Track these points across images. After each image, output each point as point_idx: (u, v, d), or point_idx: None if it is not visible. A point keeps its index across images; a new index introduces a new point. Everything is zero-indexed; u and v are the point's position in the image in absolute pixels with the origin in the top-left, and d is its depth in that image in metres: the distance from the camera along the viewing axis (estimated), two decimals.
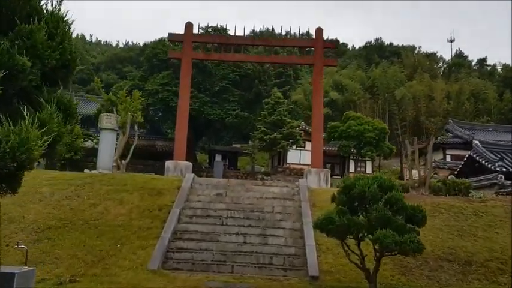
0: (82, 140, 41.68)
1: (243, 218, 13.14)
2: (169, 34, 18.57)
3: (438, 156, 45.88)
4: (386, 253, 8.61)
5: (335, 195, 9.73)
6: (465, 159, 26.71)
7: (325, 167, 29.54)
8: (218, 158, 46.23)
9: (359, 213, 9.17)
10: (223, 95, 42.18)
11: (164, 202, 13.69)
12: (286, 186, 15.22)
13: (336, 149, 43.21)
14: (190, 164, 16.73)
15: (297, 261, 11.22)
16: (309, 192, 14.66)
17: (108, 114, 26.95)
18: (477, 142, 26.39)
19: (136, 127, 18.61)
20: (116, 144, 19.84)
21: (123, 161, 17.88)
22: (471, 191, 16.69)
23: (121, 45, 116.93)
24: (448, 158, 44.67)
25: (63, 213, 12.84)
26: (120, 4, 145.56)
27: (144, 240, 11.72)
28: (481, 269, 11.35)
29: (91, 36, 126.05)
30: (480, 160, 25.22)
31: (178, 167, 16.50)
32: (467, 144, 43.70)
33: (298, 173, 36.78)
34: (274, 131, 36.80)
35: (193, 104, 40.22)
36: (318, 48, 17.71)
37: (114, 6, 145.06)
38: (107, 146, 21.50)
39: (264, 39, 18.14)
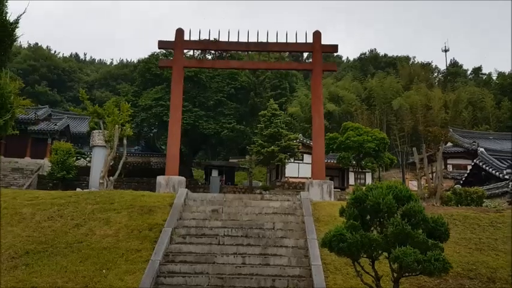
0: (74, 158, 40.52)
1: (242, 236, 12.03)
2: (159, 42, 17.61)
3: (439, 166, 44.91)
4: (406, 273, 7.52)
5: (344, 208, 8.66)
6: (470, 167, 25.77)
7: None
8: (215, 173, 45.04)
9: (372, 229, 8.11)
10: (219, 109, 41.27)
11: (155, 221, 12.57)
12: (288, 200, 14.14)
13: (335, 161, 42.29)
14: (183, 178, 15.64)
15: (302, 284, 10.09)
16: (312, 206, 13.57)
17: (101, 131, 26.29)
18: (482, 150, 25.50)
19: (125, 141, 17.53)
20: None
21: (111, 178, 16.75)
22: (485, 200, 15.64)
23: (115, 63, 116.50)
24: (450, 168, 43.75)
25: (44, 235, 11.69)
26: (113, 22, 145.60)
27: (132, 264, 10.57)
28: (506, 286, 10.26)
29: (85, 54, 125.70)
30: (486, 168, 24.29)
31: (170, 183, 15.39)
32: (468, 153, 42.91)
33: (297, 187, 35.71)
34: (272, 143, 35.80)
35: (188, 118, 39.29)
36: (317, 53, 16.80)
37: (108, 24, 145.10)
38: (100, 164, 21.07)
39: (259, 44, 17.20)
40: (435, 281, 10.25)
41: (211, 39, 45.94)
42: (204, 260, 10.96)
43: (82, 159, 43.94)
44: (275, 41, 16.89)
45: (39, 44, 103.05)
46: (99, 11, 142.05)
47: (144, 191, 15.33)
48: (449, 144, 46.55)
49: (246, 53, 17.29)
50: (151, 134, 50.17)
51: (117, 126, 16.14)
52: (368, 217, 8.23)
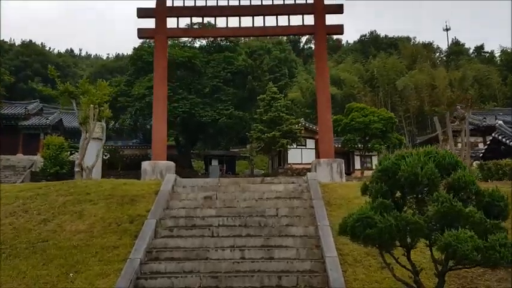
0: (68, 153, 38.65)
1: (240, 225, 10.12)
2: (138, 9, 15.39)
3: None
4: (459, 265, 5.57)
5: (367, 184, 6.71)
6: (488, 142, 23.78)
7: None
8: (214, 162, 43.36)
9: (406, 208, 6.17)
10: (215, 95, 39.26)
11: (137, 212, 10.65)
12: (292, 183, 12.17)
13: (340, 145, 40.33)
14: (172, 163, 13.66)
15: (315, 280, 8.16)
16: (321, 188, 11.63)
17: (93, 122, 24.32)
18: (501, 122, 23.52)
19: (103, 123, 15.51)
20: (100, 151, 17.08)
21: (88, 166, 14.79)
22: None
23: (111, 58, 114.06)
24: (459, 146, 41.63)
25: (3, 235, 9.78)
26: (110, 16, 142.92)
27: (107, 264, 8.66)
28: None
29: (80, 50, 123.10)
30: (506, 141, 22.29)
31: (157, 169, 13.37)
32: (478, 130, 40.78)
33: (301, 173, 33.76)
34: (273, 129, 33.78)
35: (184, 106, 37.33)
36: (319, 14, 14.62)
37: (103, 19, 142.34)
38: (92, 157, 20.21)
39: (253, 6, 15.11)
40: (478, 270, 8.33)
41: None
42: (195, 256, 9.05)
43: (76, 153, 42.11)
44: (271, 3, 14.77)
45: (33, 41, 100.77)
46: (94, 5, 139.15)
47: (128, 179, 13.42)
48: (456, 122, 44.45)
49: (238, 18, 15.17)
50: (149, 126, 48.20)
51: (92, 106, 14.12)
52: (399, 194, 6.30)
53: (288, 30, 15.23)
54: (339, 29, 14.88)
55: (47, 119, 45.24)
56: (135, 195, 11.44)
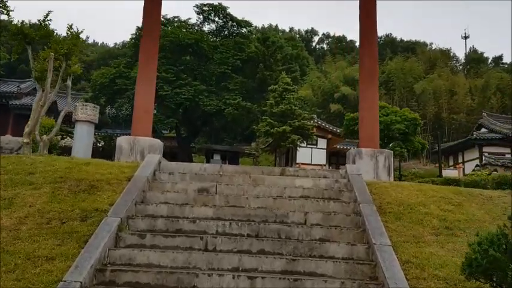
0: (59, 137, 35.34)
1: (249, 235, 6.58)
2: None
3: (473, 154, 39.37)
4: None
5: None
6: None
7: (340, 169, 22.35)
8: (216, 157, 39.99)
9: None
10: (222, 83, 35.76)
11: (95, 205, 7.12)
12: (325, 177, 8.59)
13: (356, 147, 36.83)
14: (158, 141, 10.00)
15: None
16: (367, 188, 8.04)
17: (84, 104, 21.20)
18: None
19: (69, 82, 11.86)
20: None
21: (44, 137, 11.25)
22: None
23: (118, 46, 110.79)
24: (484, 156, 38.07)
25: None
26: (119, 4, 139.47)
27: None
28: None
29: (88, 37, 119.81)
30: None
31: (137, 147, 9.62)
32: (506, 140, 37.31)
33: None
34: (283, 123, 30.24)
35: (187, 93, 33.87)
36: None
37: (112, 7, 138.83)
38: (82, 141, 17.55)
39: None
40: None
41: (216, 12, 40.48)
42: (175, 283, 5.51)
43: (69, 138, 38.97)
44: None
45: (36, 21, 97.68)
46: None
47: (93, 158, 9.92)
48: (483, 130, 40.89)
49: None
50: None
51: (52, 55, 10.56)
52: None
53: None
54: None
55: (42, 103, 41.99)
56: (98, 180, 7.89)
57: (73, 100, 52.18)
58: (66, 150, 31.60)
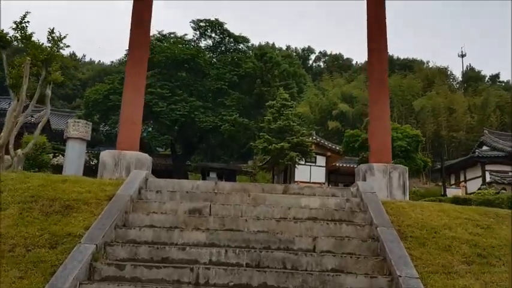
0: (51, 155, 34.26)
1: (248, 265, 5.56)
2: None
3: (476, 172, 38.50)
4: None
5: None
6: None
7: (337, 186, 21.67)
8: (213, 175, 39.00)
9: None
10: (218, 99, 35.02)
11: (68, 228, 6.09)
12: (333, 195, 7.58)
13: (356, 164, 35.95)
14: (146, 157, 8.91)
15: None
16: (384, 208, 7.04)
17: (76, 120, 20.50)
18: None
19: (48, 91, 10.83)
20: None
21: (18, 151, 10.20)
22: None
23: (115, 64, 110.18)
24: (487, 175, 37.18)
25: None
26: (114, 25, 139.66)
27: None
28: None
29: (84, 56, 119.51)
30: None
31: (122, 162, 8.52)
32: (510, 158, 36.48)
33: None
34: (281, 139, 29.39)
35: (182, 109, 33.04)
36: None
37: (109, 26, 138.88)
38: (74, 159, 16.68)
39: None
40: None
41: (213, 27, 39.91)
42: None
43: (61, 156, 37.92)
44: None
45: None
46: (103, 11, 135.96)
47: (71, 175, 8.92)
48: (485, 147, 40.10)
49: None
50: (145, 134, 43.72)
51: (28, 60, 9.59)
52: None
53: None
54: None
55: (32, 116, 41.05)
56: (74, 199, 6.86)
57: (66, 118, 51.41)
58: (58, 169, 30.51)
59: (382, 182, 8.53)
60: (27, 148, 10.46)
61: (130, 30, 9.75)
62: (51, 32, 10.33)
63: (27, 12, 9.93)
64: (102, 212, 6.33)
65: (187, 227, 6.39)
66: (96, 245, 5.54)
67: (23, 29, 10.09)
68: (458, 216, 7.13)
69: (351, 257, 5.75)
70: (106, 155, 8.85)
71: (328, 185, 36.13)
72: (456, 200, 16.53)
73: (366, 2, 9.99)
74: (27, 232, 5.98)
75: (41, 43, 10.35)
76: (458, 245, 6.14)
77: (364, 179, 8.65)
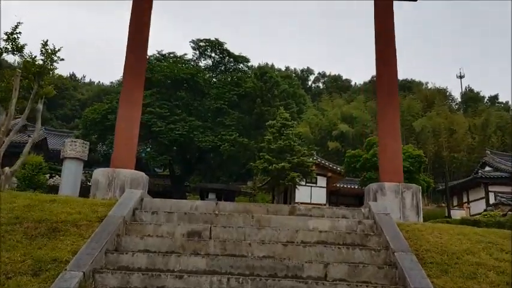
0: (47, 176, 33.71)
1: None
2: None
3: (479, 193, 37.91)
4: None
5: None
6: None
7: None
8: (211, 196, 38.38)
9: None
10: (218, 118, 34.67)
11: (54, 253, 5.51)
12: (344, 217, 7.02)
13: (357, 186, 35.44)
14: (143, 175, 8.34)
15: None
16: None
17: (73, 140, 19.29)
18: None
19: (40, 105, 10.30)
20: None
21: (6, 169, 9.62)
22: None
23: (114, 85, 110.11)
24: (492, 196, 36.60)
25: None
26: (116, 45, 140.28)
27: None
28: None
29: (84, 76, 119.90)
30: None
31: (117, 181, 7.94)
32: None
33: None
34: (282, 159, 28.90)
35: (181, 128, 32.64)
36: None
37: (109, 48, 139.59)
38: (70, 179, 16.58)
39: None
40: None
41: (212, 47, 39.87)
42: None
43: (58, 177, 37.32)
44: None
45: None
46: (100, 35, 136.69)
47: (61, 195, 8.37)
48: (487, 168, 39.60)
49: None
50: (144, 154, 43.22)
51: (19, 72, 9.13)
52: None
53: None
54: None
55: (29, 136, 40.60)
56: (62, 221, 6.30)
57: (64, 138, 50.94)
58: (55, 189, 29.88)
59: (394, 202, 7.98)
60: (16, 166, 9.91)
61: (128, 42, 9.32)
62: (45, 44, 9.92)
63: (18, 23, 9.55)
64: (92, 235, 5.76)
65: (185, 252, 5.81)
66: (84, 272, 4.96)
67: (15, 40, 9.68)
68: (480, 240, 6.57)
69: (366, 286, 5.17)
70: (99, 174, 8.30)
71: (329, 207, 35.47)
72: (465, 222, 15.97)
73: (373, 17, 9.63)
74: (9, 257, 5.40)
75: (33, 56, 9.91)
76: (484, 272, 5.57)
77: (375, 199, 8.10)
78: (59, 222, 6.28)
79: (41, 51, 9.82)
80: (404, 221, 7.77)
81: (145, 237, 6.04)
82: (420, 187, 8.68)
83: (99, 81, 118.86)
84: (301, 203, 33.69)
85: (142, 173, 8.54)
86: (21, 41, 9.75)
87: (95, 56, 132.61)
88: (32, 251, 5.57)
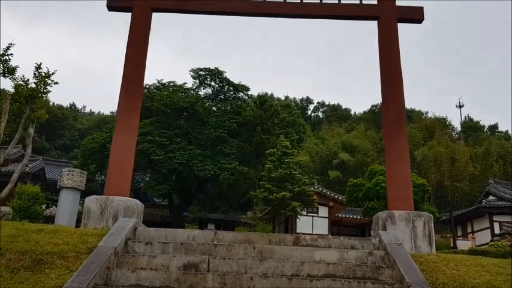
0: (44, 206, 33.11)
1: None
2: None
3: (483, 223, 37.23)
4: None
5: None
6: None
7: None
8: (211, 227, 37.68)
9: None
10: (218, 147, 34.30)
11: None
12: (353, 248, 6.54)
13: (359, 216, 34.82)
14: (138, 203, 7.86)
15: None
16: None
17: (71, 169, 20.15)
18: None
19: (31, 130, 9.93)
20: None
21: None
22: None
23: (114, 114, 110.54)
24: (496, 226, 35.91)
25: None
26: (116, 75, 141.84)
27: None
28: None
29: (84, 107, 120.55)
30: None
31: (109, 209, 7.45)
32: None
33: None
34: (282, 188, 28.37)
35: (180, 157, 32.23)
36: None
37: (109, 79, 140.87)
38: (67, 209, 16.51)
39: None
40: None
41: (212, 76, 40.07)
42: None
43: (55, 207, 36.74)
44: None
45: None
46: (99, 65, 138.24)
47: (48, 225, 7.87)
48: (491, 197, 39.03)
49: None
50: (142, 184, 42.70)
51: (8, 95, 8.82)
52: None
53: (337, 9, 9.55)
54: (416, 12, 9.38)
55: (27, 166, 40.27)
56: (49, 252, 5.82)
57: (62, 168, 50.43)
58: (51, 220, 29.28)
59: (405, 231, 7.49)
60: (2, 193, 9.49)
61: (124, 66, 9.04)
62: (38, 67, 9.64)
63: (10, 44, 9.29)
64: (79, 268, 5.28)
65: (181, 287, 5.31)
66: None
67: (6, 62, 9.40)
68: (501, 271, 6.07)
69: None
70: (91, 201, 7.84)
71: None
72: (473, 253, 15.38)
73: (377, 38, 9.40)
74: None
75: (26, 79, 9.64)
76: None
77: (384, 228, 7.61)
78: (45, 254, 5.80)
79: (34, 74, 9.55)
80: (416, 251, 7.27)
81: (138, 270, 5.54)
82: (432, 215, 8.20)
83: (99, 111, 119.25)
84: (303, 234, 32.95)
85: (137, 201, 8.08)
86: (12, 63, 9.50)
87: (95, 86, 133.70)
88: (13, 285, 5.08)
